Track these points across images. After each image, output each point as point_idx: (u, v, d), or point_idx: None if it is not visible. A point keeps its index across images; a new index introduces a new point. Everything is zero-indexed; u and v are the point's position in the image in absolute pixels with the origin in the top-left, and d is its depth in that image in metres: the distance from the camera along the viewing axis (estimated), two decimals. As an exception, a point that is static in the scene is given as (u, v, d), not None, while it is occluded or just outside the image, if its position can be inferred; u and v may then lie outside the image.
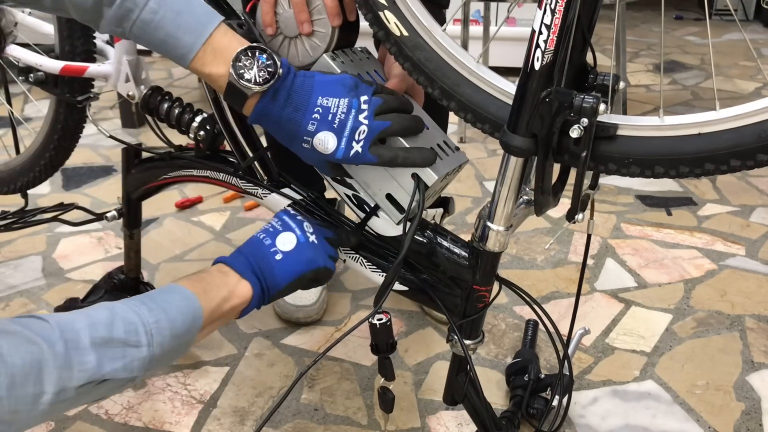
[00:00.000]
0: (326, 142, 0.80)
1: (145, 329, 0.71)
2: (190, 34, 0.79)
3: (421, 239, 0.89)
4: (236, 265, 0.84)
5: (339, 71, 0.86)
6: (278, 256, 0.85)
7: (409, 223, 0.84)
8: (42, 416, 0.65)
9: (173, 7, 0.78)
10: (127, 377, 0.70)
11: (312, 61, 0.88)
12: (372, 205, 0.90)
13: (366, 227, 0.92)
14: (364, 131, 0.80)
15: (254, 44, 0.79)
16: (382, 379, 0.91)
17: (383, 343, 0.88)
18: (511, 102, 0.75)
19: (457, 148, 0.91)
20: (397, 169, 0.84)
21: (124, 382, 0.70)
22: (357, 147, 0.80)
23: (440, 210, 1.03)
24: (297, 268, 0.85)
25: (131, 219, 1.28)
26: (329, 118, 0.79)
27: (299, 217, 0.89)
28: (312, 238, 0.87)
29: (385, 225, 0.91)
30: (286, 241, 0.86)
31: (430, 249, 0.89)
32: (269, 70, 0.78)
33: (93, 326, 0.68)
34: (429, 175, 0.83)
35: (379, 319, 0.86)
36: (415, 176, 0.84)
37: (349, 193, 0.90)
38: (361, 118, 0.80)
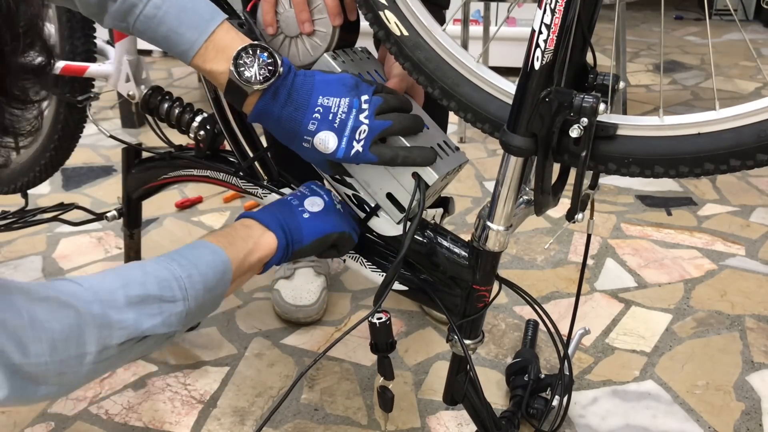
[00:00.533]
0: (327, 141, 0.80)
1: (179, 284, 0.72)
2: (193, 31, 0.79)
3: (421, 239, 0.89)
4: (262, 218, 0.85)
5: (340, 70, 0.86)
6: (305, 215, 0.86)
7: (409, 223, 0.84)
8: (89, 374, 0.67)
9: (177, 3, 0.79)
10: (167, 332, 0.71)
11: (313, 61, 0.89)
12: (372, 205, 0.90)
13: (367, 227, 0.92)
14: (364, 130, 0.80)
15: (256, 42, 0.80)
16: (382, 379, 0.91)
17: (383, 342, 0.88)
18: (510, 102, 0.75)
19: (457, 148, 0.91)
20: (397, 169, 0.85)
21: (164, 337, 0.72)
22: (358, 146, 0.80)
23: (440, 210, 1.04)
24: (323, 227, 0.86)
25: (131, 219, 1.28)
26: (330, 117, 0.80)
27: (327, 188, 0.91)
28: (338, 206, 0.90)
29: (385, 225, 0.91)
30: (314, 204, 0.87)
31: (430, 249, 0.89)
32: (270, 68, 0.79)
33: (127, 285, 0.69)
34: (430, 175, 0.83)
35: (378, 318, 0.86)
36: (415, 175, 0.84)
37: (349, 193, 0.90)
38: (361, 117, 0.80)
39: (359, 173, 0.88)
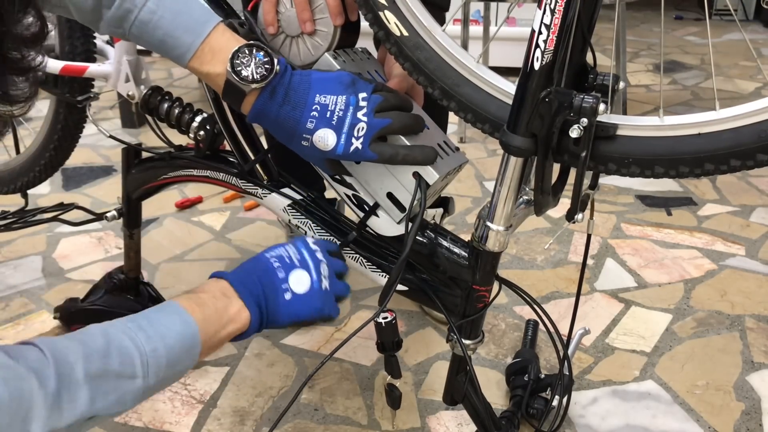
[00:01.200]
0: (326, 138, 0.80)
1: (141, 360, 0.67)
2: (189, 34, 0.79)
3: (421, 239, 0.89)
4: (242, 292, 0.79)
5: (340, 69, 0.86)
6: (287, 296, 0.80)
7: (411, 223, 0.84)
8: None
9: (172, 7, 0.79)
10: (118, 411, 0.66)
11: (313, 60, 0.89)
12: (372, 205, 0.90)
13: (370, 229, 0.92)
14: (363, 128, 0.80)
15: (252, 42, 0.80)
16: (389, 377, 0.91)
17: (389, 341, 0.88)
18: (510, 102, 0.75)
19: (457, 149, 0.91)
20: (398, 168, 0.85)
21: (113, 415, 0.67)
22: (357, 143, 0.80)
23: (440, 210, 1.03)
24: (303, 313, 0.81)
25: (131, 219, 1.28)
26: (327, 115, 0.79)
27: (318, 255, 0.84)
28: (325, 283, 0.83)
29: (386, 225, 0.91)
30: (300, 282, 0.81)
31: (431, 249, 0.89)
32: (266, 66, 0.78)
33: (88, 357, 0.64)
34: (430, 174, 0.83)
35: (384, 318, 0.86)
36: (416, 175, 0.84)
37: (349, 193, 0.90)
38: (359, 114, 0.80)
39: (359, 172, 0.88)
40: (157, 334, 0.69)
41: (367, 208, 0.91)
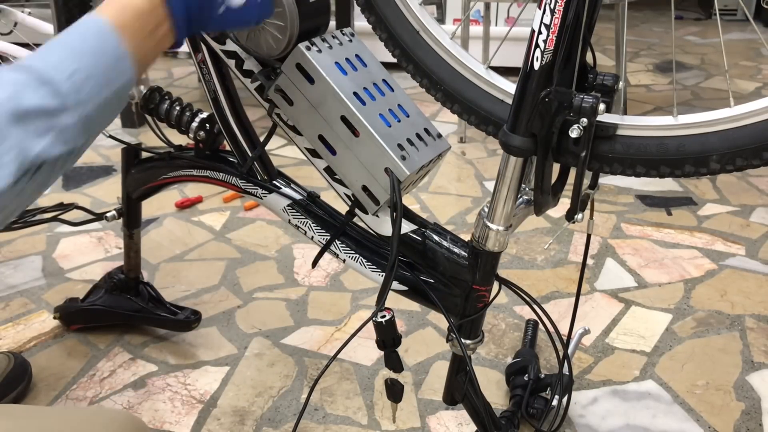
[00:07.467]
0: None
1: (62, 88, 0.57)
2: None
3: (420, 239, 0.89)
4: (177, 10, 0.67)
5: (315, 64, 0.83)
6: (221, 9, 0.72)
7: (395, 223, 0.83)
8: None
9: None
10: (68, 150, 0.58)
11: (280, 53, 0.85)
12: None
13: (369, 229, 0.92)
14: None
15: None
16: (390, 372, 0.91)
17: (389, 338, 0.88)
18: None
19: (440, 135, 0.90)
20: (371, 162, 0.84)
21: (65, 159, 0.58)
22: None
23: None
24: (230, 25, 0.75)
25: (131, 219, 1.28)
26: None
27: None
28: None
29: (384, 223, 0.90)
30: None
31: (430, 249, 0.89)
32: None
33: (12, 98, 0.54)
34: (401, 171, 0.82)
35: (383, 317, 0.85)
36: (388, 171, 0.83)
37: (349, 193, 0.90)
38: None
39: (337, 165, 0.87)
40: (71, 53, 0.60)
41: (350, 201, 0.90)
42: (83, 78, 0.59)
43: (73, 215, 1.41)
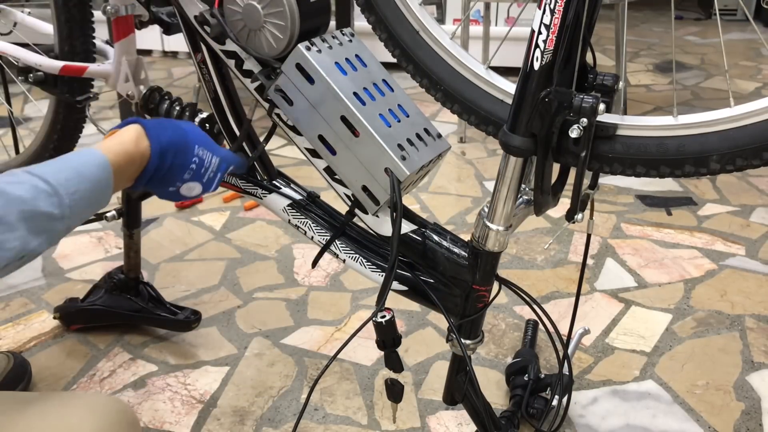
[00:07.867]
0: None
1: (65, 201, 0.70)
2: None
3: (420, 239, 0.89)
4: (153, 143, 0.80)
5: (315, 64, 0.83)
6: (172, 189, 0.85)
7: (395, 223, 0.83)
8: None
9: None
10: (45, 248, 0.71)
11: (280, 53, 0.86)
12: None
13: (369, 229, 0.92)
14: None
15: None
16: (390, 372, 0.91)
17: (389, 338, 0.88)
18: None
19: (440, 135, 0.90)
20: (371, 162, 0.84)
21: (40, 254, 0.71)
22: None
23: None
24: (173, 198, 0.87)
25: (131, 219, 1.28)
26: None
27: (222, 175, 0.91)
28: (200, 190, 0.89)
29: (384, 224, 0.90)
30: (190, 190, 0.87)
31: (430, 249, 0.88)
32: None
33: (20, 201, 0.66)
34: (401, 171, 0.82)
35: (383, 317, 0.85)
36: (388, 171, 0.83)
37: (349, 193, 0.90)
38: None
39: (337, 165, 0.87)
40: (77, 175, 0.72)
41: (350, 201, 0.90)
42: (80, 198, 0.72)
43: (73, 215, 1.41)
